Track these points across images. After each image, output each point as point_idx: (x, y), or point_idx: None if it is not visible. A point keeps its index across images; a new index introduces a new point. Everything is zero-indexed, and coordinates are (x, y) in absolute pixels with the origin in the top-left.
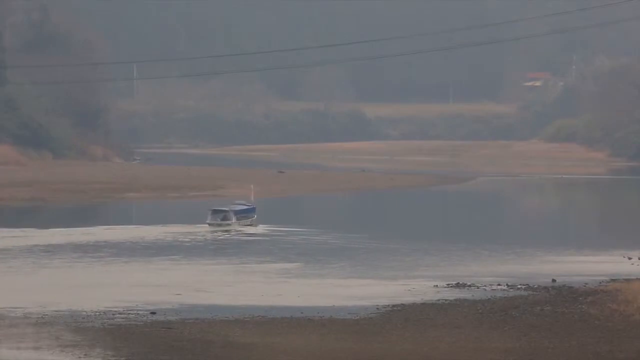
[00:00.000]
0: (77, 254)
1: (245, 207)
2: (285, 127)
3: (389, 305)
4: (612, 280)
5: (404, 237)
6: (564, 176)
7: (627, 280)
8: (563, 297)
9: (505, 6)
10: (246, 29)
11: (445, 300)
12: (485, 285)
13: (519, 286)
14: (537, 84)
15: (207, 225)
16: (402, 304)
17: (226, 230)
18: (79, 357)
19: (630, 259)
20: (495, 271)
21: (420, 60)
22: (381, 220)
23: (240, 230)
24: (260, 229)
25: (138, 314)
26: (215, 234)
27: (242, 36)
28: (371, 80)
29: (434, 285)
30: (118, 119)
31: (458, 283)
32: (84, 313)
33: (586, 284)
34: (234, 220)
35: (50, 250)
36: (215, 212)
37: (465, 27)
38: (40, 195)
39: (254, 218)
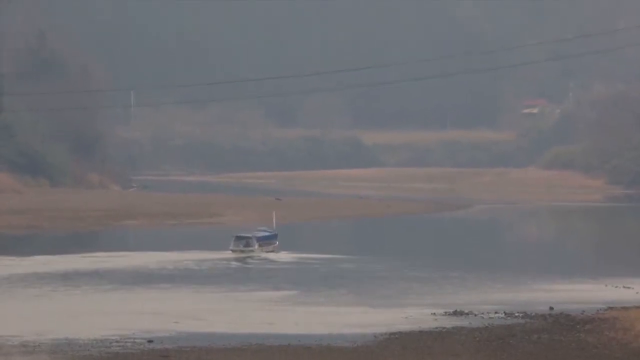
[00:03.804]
0: (73, 282)
1: (267, 233)
2: (282, 154)
3: (386, 333)
4: (610, 308)
5: (402, 264)
6: (553, 203)
7: (625, 308)
8: (560, 325)
9: (502, 33)
10: (243, 56)
11: (443, 328)
12: (482, 313)
13: (517, 314)
14: (534, 110)
15: (230, 251)
16: (399, 331)
17: (249, 257)
18: None
19: (629, 288)
20: (493, 299)
21: (417, 87)
22: (380, 247)
23: (265, 257)
24: (283, 255)
25: (135, 342)
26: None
27: (240, 63)
28: (368, 107)
29: (432, 313)
30: (115, 146)
31: (455, 311)
32: (81, 341)
33: (584, 311)
34: (256, 246)
35: (47, 277)
36: (238, 238)
37: (463, 54)
38: (37, 223)
39: (276, 244)
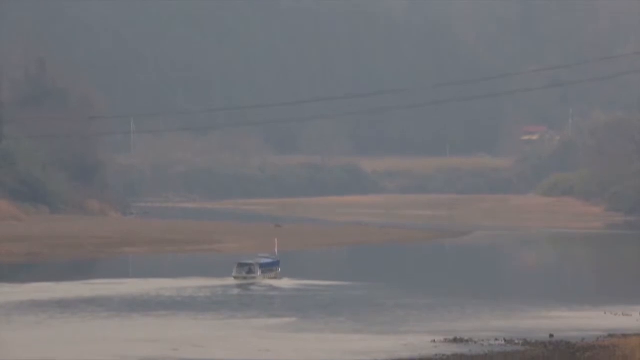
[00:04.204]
0: (72, 309)
1: (270, 260)
2: (282, 181)
3: None
4: (610, 335)
5: (401, 291)
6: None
7: (625, 336)
8: (561, 352)
9: (501, 60)
10: (243, 83)
11: (443, 355)
12: (482, 340)
13: (517, 341)
14: (534, 137)
15: (232, 278)
16: (399, 359)
17: (252, 283)
18: None
19: (629, 315)
20: (493, 326)
21: (416, 114)
22: (379, 274)
23: (268, 284)
24: (285, 282)
25: None
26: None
27: (239, 90)
28: (368, 133)
29: (432, 340)
30: (115, 173)
31: (455, 338)
32: None
33: (584, 339)
34: (259, 273)
35: (45, 305)
36: (241, 265)
37: (462, 81)
38: (37, 250)
39: (278, 271)
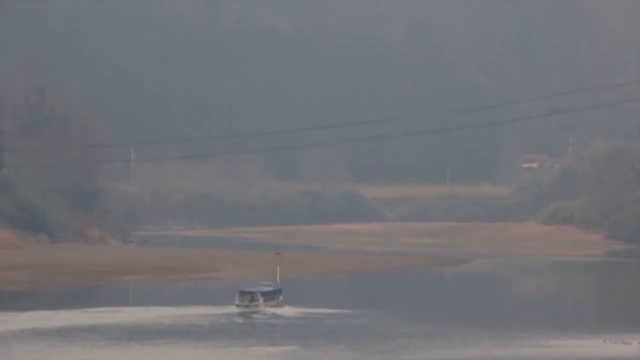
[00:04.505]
0: (70, 337)
1: (272, 288)
2: (282, 209)
3: None
4: None
5: (401, 319)
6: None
7: None
8: None
9: (501, 88)
10: (243, 111)
11: None
12: None
13: None
14: (534, 165)
15: (235, 306)
16: None
17: (254, 312)
18: None
19: (628, 344)
20: (493, 354)
21: (416, 142)
22: (380, 302)
23: (270, 312)
24: (287, 310)
25: None
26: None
27: (240, 117)
28: (368, 161)
29: None
30: (115, 200)
31: None
32: None
33: None
34: (261, 301)
35: (44, 333)
36: (243, 293)
37: (462, 109)
38: (37, 279)
39: (280, 299)
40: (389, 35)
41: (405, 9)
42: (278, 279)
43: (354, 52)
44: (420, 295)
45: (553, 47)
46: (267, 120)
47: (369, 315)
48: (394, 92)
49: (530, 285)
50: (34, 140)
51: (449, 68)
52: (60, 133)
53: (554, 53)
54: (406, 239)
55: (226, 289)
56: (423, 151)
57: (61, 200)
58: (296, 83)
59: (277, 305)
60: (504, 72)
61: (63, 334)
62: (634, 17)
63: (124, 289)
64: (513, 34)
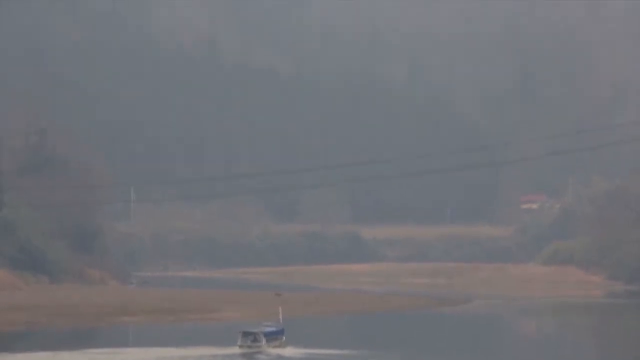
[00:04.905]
0: None
1: (274, 328)
2: (281, 249)
3: None
4: None
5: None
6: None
7: None
8: None
9: (501, 128)
10: (242, 152)
11: None
12: None
13: None
14: (534, 206)
15: (237, 347)
16: None
17: (257, 352)
18: None
19: None
20: None
21: (416, 182)
22: (380, 342)
23: (274, 353)
24: (289, 351)
25: None
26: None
27: (238, 159)
28: (368, 201)
29: None
30: (115, 241)
31: None
32: None
33: None
34: (264, 342)
35: None
36: (245, 334)
37: (462, 149)
38: (36, 319)
39: (283, 340)
40: (390, 76)
41: (405, 50)
42: (281, 319)
43: (354, 93)
44: (420, 336)
45: (552, 88)
46: (266, 160)
47: (371, 356)
48: (393, 133)
49: (530, 327)
50: (34, 180)
51: (449, 108)
52: (60, 173)
53: (554, 94)
54: (406, 279)
55: (227, 329)
56: (423, 191)
57: (61, 241)
58: (296, 123)
59: (280, 346)
60: (503, 112)
61: None
62: (633, 58)
63: (124, 330)
64: (513, 74)
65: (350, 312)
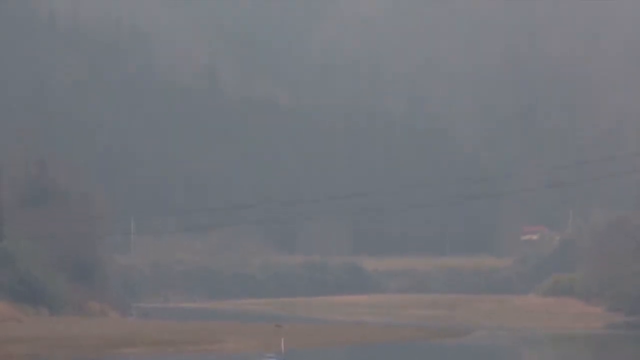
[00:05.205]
0: None
1: None
2: (282, 281)
3: None
4: None
5: None
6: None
7: None
8: None
9: (501, 160)
10: (242, 183)
11: None
12: None
13: None
14: (534, 237)
15: None
16: None
17: None
18: None
19: None
20: None
21: (417, 213)
22: None
23: None
24: None
25: None
26: None
27: (239, 189)
28: (369, 232)
29: None
30: (115, 273)
31: None
32: None
33: None
34: None
35: None
36: None
37: (462, 181)
38: (36, 352)
39: None
40: (389, 108)
41: (405, 82)
42: (283, 350)
43: (354, 124)
44: None
45: (553, 120)
46: (267, 191)
47: None
48: (394, 164)
49: (532, 358)
50: (34, 212)
51: (449, 140)
52: (60, 205)
53: (554, 126)
54: (407, 310)
55: None
56: (423, 223)
57: (61, 273)
58: (296, 155)
59: None
60: (504, 144)
61: None
62: (633, 89)
63: None
64: (513, 105)
65: (352, 343)
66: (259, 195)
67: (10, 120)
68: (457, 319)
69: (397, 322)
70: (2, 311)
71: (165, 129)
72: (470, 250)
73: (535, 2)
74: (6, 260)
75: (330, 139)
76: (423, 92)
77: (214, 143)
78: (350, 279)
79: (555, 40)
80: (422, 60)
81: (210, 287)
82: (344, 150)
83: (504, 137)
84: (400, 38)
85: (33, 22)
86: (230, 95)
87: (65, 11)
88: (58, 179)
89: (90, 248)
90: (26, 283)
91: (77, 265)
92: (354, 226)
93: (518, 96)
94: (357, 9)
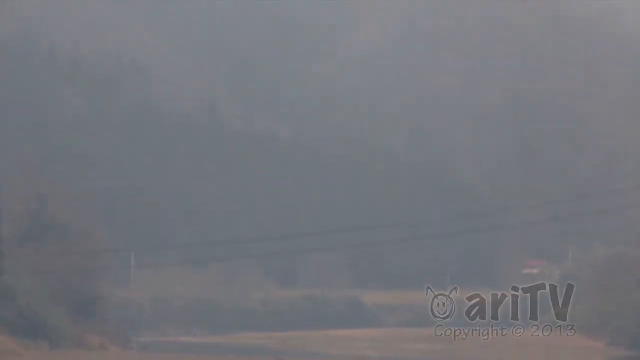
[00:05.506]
0: None
1: None
2: (282, 314)
3: None
4: None
5: None
6: None
7: None
8: None
9: (501, 193)
10: (243, 216)
11: None
12: None
13: None
14: (534, 271)
15: None
16: None
17: None
18: None
19: None
20: None
21: (416, 247)
22: None
23: None
24: None
25: None
26: None
27: (239, 222)
28: (369, 266)
29: None
30: (115, 307)
31: None
32: None
33: None
34: None
35: None
36: None
37: (462, 214)
38: None
39: None
40: (389, 143)
41: (405, 116)
42: None
43: (354, 159)
44: None
45: (553, 154)
46: (266, 225)
47: None
48: (393, 198)
49: None
50: (34, 246)
51: (449, 174)
52: (60, 239)
53: (554, 159)
54: (406, 344)
55: None
56: (423, 256)
57: (61, 307)
58: (296, 188)
59: None
60: (504, 178)
61: None
62: (634, 123)
63: None
64: (513, 140)
65: None
66: (259, 229)
67: (10, 153)
68: (457, 352)
69: (397, 356)
70: (2, 345)
71: (165, 162)
72: (470, 284)
73: (535, 38)
74: (6, 294)
75: (330, 172)
76: (423, 125)
77: (214, 176)
78: (350, 313)
79: (555, 75)
80: (421, 94)
81: (210, 321)
82: (343, 185)
83: (504, 171)
84: (401, 72)
85: (33, 54)
86: (230, 128)
87: (65, 44)
88: (58, 212)
89: (90, 282)
90: (26, 317)
91: (77, 299)
92: (354, 259)
93: (518, 130)
94: (357, 44)
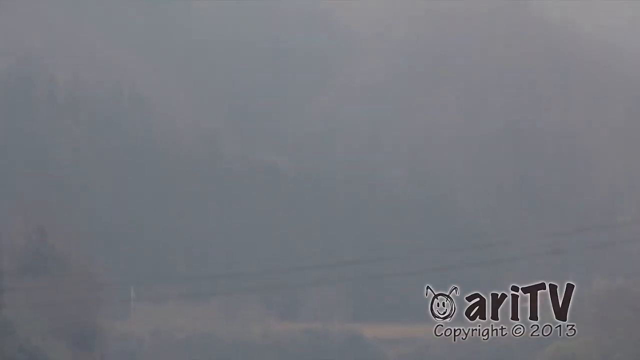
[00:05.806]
0: None
1: None
2: (283, 348)
3: None
4: None
5: None
6: None
7: None
8: None
9: (500, 226)
10: (243, 249)
11: None
12: None
13: None
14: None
15: None
16: None
17: None
18: None
19: None
20: None
21: (417, 280)
22: None
23: None
24: None
25: None
26: None
27: (239, 256)
28: (369, 299)
29: None
30: (115, 340)
31: None
32: None
33: None
34: None
35: None
36: None
37: (461, 248)
38: None
39: None
40: (389, 177)
41: (404, 148)
42: None
43: (354, 193)
44: None
45: (553, 187)
46: (267, 258)
47: None
48: (394, 231)
49: None
50: (33, 280)
51: (449, 208)
52: (60, 273)
53: (554, 192)
54: None
55: None
56: (424, 289)
57: (60, 341)
58: (296, 221)
59: None
60: (503, 211)
61: None
62: (634, 155)
63: None
64: (513, 173)
65: None
66: (260, 262)
67: (9, 187)
68: None
69: None
70: None
71: (165, 195)
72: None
73: (535, 72)
74: (5, 329)
75: (330, 207)
76: (422, 159)
77: (214, 209)
78: (351, 346)
79: (554, 108)
80: (421, 128)
81: (211, 355)
82: (343, 218)
83: (504, 204)
84: (400, 106)
85: (32, 88)
86: (231, 162)
87: (64, 77)
88: (57, 246)
89: (90, 315)
90: (26, 351)
91: (77, 332)
92: (355, 292)
93: (517, 163)
94: (357, 77)
